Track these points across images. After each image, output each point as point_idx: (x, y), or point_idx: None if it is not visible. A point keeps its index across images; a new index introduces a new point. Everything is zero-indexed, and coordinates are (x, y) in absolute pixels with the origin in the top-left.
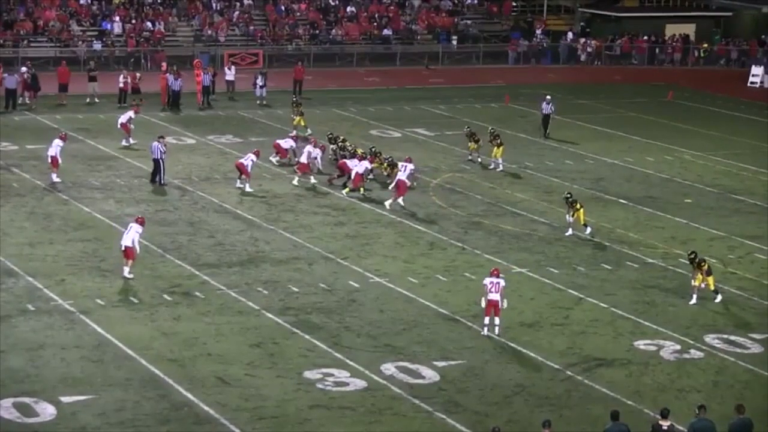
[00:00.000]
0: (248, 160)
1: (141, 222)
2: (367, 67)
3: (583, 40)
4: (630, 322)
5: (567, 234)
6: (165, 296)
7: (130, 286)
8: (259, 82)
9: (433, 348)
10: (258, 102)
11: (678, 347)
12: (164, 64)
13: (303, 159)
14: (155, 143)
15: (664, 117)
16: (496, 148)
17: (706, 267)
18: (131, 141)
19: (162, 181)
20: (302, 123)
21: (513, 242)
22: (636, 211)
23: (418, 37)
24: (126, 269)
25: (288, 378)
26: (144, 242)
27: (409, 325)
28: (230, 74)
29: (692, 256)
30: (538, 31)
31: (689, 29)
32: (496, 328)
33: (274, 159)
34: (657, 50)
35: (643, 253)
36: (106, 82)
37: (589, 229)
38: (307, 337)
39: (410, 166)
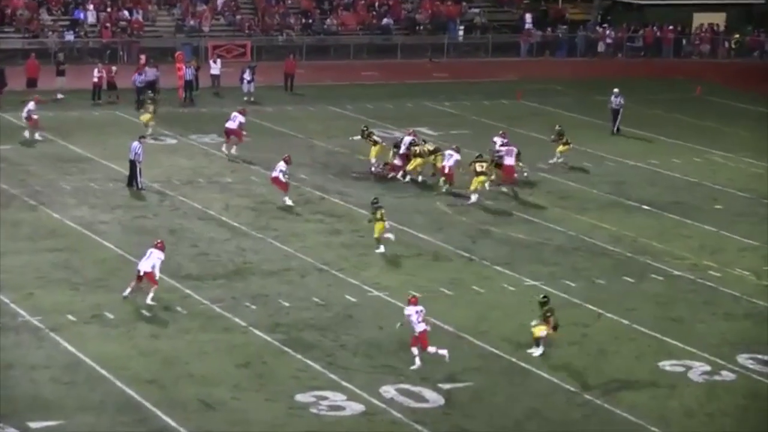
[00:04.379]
0: (278, 171)
1: (162, 247)
2: (364, 60)
3: (602, 30)
4: (654, 340)
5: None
6: (143, 311)
7: (108, 300)
8: (247, 76)
9: (437, 368)
10: (245, 98)
11: (708, 368)
12: (142, 57)
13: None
14: (135, 143)
15: (692, 115)
16: (562, 146)
17: (552, 321)
18: (39, 136)
19: (139, 185)
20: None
21: (525, 252)
22: (661, 218)
23: (421, 28)
24: (150, 295)
25: (278, 401)
26: (120, 252)
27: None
28: (215, 68)
29: (544, 300)
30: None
31: (719, 18)
32: (416, 359)
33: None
34: (683, 41)
35: (669, 264)
36: (79, 77)
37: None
38: (299, 356)
39: (456, 156)
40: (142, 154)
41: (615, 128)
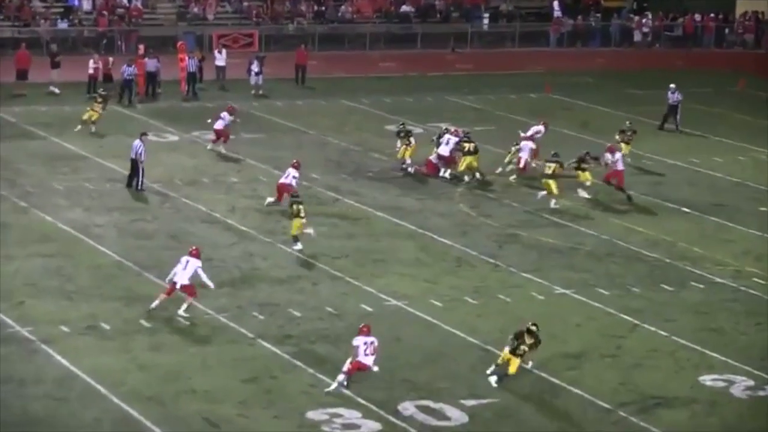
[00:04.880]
0: (289, 177)
1: (197, 254)
2: (381, 50)
3: (638, 18)
4: (695, 353)
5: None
6: (142, 322)
7: (103, 310)
8: (255, 68)
9: (460, 384)
10: (253, 92)
11: (751, 383)
12: (141, 47)
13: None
14: (136, 141)
15: (735, 110)
16: (625, 144)
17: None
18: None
19: (139, 186)
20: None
21: (555, 258)
22: (701, 221)
23: (443, 15)
24: (184, 306)
25: (288, 419)
26: (117, 258)
27: (432, 356)
28: (220, 59)
29: (533, 328)
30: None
31: (764, 6)
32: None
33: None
34: (726, 31)
35: (710, 271)
36: (74, 68)
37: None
38: (310, 370)
39: (454, 139)
40: (145, 153)
41: (667, 123)
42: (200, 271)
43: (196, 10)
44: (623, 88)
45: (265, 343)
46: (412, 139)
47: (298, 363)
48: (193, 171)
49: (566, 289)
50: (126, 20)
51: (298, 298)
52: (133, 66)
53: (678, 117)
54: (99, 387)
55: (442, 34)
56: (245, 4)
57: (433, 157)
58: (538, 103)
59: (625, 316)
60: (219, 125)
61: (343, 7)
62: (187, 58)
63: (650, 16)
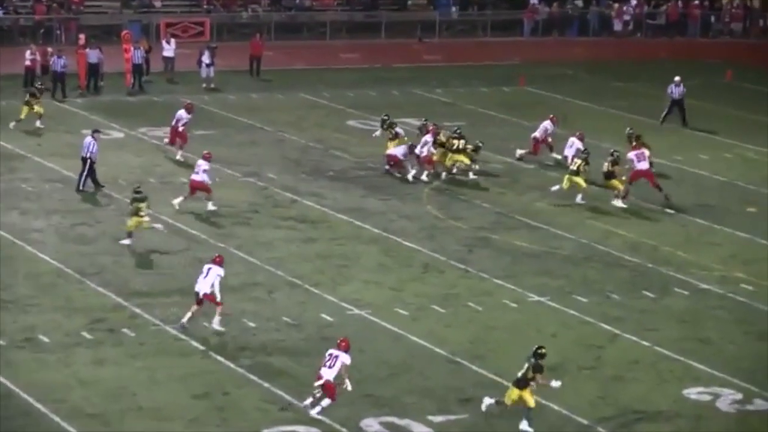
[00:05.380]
0: (200, 172)
1: (221, 262)
2: (344, 39)
3: (618, 5)
4: (678, 364)
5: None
6: (84, 334)
7: (42, 321)
8: (206, 59)
9: (427, 398)
10: (204, 85)
11: (739, 396)
12: (82, 37)
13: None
14: (88, 138)
15: (722, 103)
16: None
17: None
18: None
19: (81, 186)
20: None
21: (529, 263)
22: (686, 223)
23: (410, 2)
24: (216, 319)
25: None
26: (57, 265)
27: (398, 369)
28: (169, 49)
29: (542, 351)
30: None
31: None
32: (317, 407)
33: None
34: (712, 19)
35: (695, 276)
36: (9, 60)
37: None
38: (266, 385)
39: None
40: (97, 152)
41: (683, 121)
42: (217, 282)
43: None
44: (603, 81)
45: (217, 356)
46: (397, 130)
47: (253, 377)
48: (139, 171)
49: (541, 296)
50: (66, 8)
51: (253, 308)
52: (64, 57)
53: (685, 112)
54: (38, 405)
55: (408, 23)
56: None
57: (397, 151)
58: (512, 96)
59: (605, 325)
60: (178, 126)
61: None
62: (132, 48)
63: (633, 3)
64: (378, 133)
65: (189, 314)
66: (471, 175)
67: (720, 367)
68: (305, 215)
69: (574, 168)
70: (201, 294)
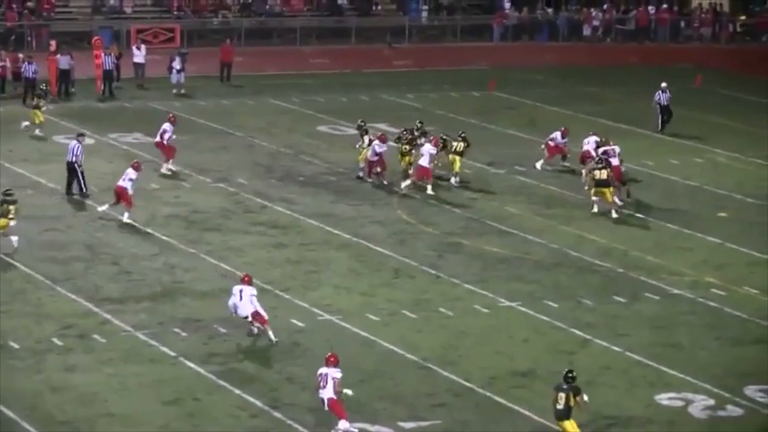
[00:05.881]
0: (126, 180)
1: (250, 281)
2: (313, 45)
3: (587, 10)
4: (650, 369)
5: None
6: (54, 340)
7: (12, 327)
8: (176, 65)
9: (398, 405)
10: (174, 91)
11: (711, 402)
12: (53, 43)
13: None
14: (73, 143)
15: (692, 108)
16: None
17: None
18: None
19: (84, 190)
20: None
21: (501, 268)
22: (657, 228)
23: (379, 7)
24: (269, 334)
25: None
26: (27, 270)
27: (369, 375)
28: (139, 55)
29: (573, 375)
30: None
31: None
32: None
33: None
34: (682, 23)
35: (666, 282)
36: None
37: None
38: (237, 391)
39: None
40: (83, 156)
41: (662, 127)
42: (255, 301)
43: (112, 2)
44: (573, 86)
45: (188, 363)
46: (367, 138)
47: (224, 383)
48: (110, 177)
49: (512, 301)
50: (36, 14)
51: (224, 314)
52: (34, 63)
53: (670, 119)
54: (8, 412)
55: (378, 28)
56: None
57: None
58: (482, 101)
59: (576, 331)
60: (163, 138)
61: None
62: (102, 54)
63: (605, 7)
64: (366, 142)
65: (257, 328)
66: (453, 181)
67: (692, 373)
68: (276, 221)
69: (604, 178)
70: (249, 317)
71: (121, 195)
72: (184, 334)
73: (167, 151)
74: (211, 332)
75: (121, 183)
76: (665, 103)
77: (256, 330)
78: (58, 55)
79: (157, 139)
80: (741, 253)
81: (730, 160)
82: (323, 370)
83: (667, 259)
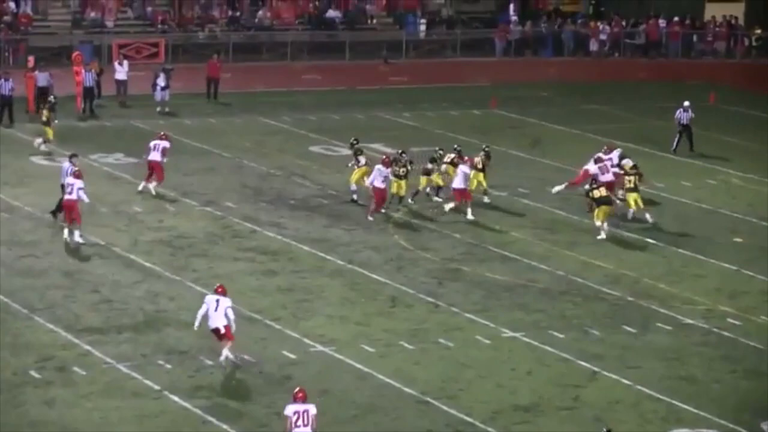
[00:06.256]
0: (75, 190)
1: (225, 292)
2: (305, 61)
3: (594, 23)
4: (662, 404)
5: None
6: (32, 373)
7: None
8: (161, 81)
9: None
10: (159, 109)
11: None
12: (31, 59)
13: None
14: (66, 164)
15: (705, 127)
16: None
17: None
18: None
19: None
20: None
21: (503, 297)
22: (668, 254)
23: (374, 21)
24: (227, 353)
25: None
26: (3, 299)
27: (363, 409)
28: (121, 71)
29: None
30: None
31: (737, 10)
32: None
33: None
34: (694, 38)
35: (679, 311)
36: None
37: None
38: (225, 426)
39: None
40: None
41: (674, 146)
42: (231, 313)
43: (93, 15)
44: (579, 103)
45: (173, 396)
46: (361, 159)
47: (211, 419)
48: (90, 199)
49: (516, 331)
50: (14, 29)
51: (211, 344)
52: (11, 80)
53: (692, 138)
54: None
55: (373, 43)
56: (149, 9)
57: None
58: (483, 119)
59: (583, 363)
60: (155, 156)
61: (260, 12)
62: (83, 70)
63: (615, 22)
64: (362, 161)
65: (226, 351)
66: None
67: (706, 407)
68: (265, 246)
69: (631, 185)
70: (221, 329)
71: (70, 207)
72: (168, 366)
73: (161, 172)
74: (198, 364)
75: (68, 196)
76: (686, 123)
77: (227, 358)
78: (36, 72)
79: (158, 158)
80: (757, 280)
81: (745, 181)
82: (299, 407)
83: (680, 287)
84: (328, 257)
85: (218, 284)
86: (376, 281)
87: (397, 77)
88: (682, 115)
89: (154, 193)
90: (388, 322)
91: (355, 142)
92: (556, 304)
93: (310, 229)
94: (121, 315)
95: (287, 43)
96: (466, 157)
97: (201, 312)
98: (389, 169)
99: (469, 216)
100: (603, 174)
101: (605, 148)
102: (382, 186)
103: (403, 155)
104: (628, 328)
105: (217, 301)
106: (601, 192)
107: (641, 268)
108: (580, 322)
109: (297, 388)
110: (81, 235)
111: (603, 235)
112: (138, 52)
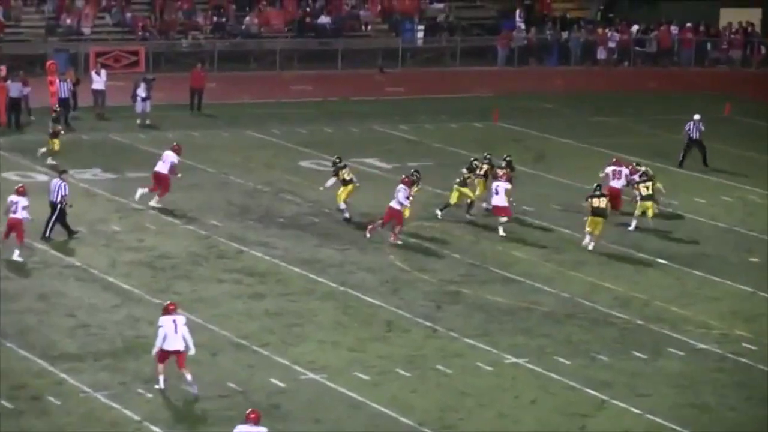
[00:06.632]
0: (18, 209)
1: (176, 308)
2: (295, 70)
3: (603, 30)
4: None
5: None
6: (4, 403)
7: None
8: (141, 92)
9: None
10: (139, 121)
11: None
12: (3, 68)
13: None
14: (55, 181)
15: (720, 141)
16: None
17: None
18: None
19: (48, 233)
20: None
21: (505, 321)
22: (681, 275)
23: (369, 28)
24: (188, 377)
25: None
26: None
27: None
28: (99, 81)
29: None
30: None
31: (753, 16)
32: None
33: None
34: (709, 46)
35: (691, 335)
36: None
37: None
38: None
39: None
40: (68, 194)
41: (681, 160)
42: (187, 332)
43: (69, 22)
44: (586, 115)
45: (153, 427)
46: (344, 174)
47: None
48: (67, 218)
49: (519, 358)
50: None
51: (194, 372)
52: (20, 84)
53: (706, 152)
54: None
55: (368, 51)
56: (129, 14)
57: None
58: (485, 132)
59: (591, 391)
60: (162, 168)
61: (247, 18)
62: (57, 80)
63: (622, 28)
64: (330, 182)
65: (160, 376)
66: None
67: None
68: (253, 267)
69: (648, 192)
70: (181, 351)
71: (14, 226)
72: (149, 395)
73: (166, 186)
74: (179, 393)
75: (12, 215)
76: (696, 137)
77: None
78: (9, 82)
79: (164, 170)
80: None
81: (763, 198)
82: (249, 429)
83: (693, 310)
84: (320, 279)
85: (169, 302)
86: (371, 304)
87: (393, 87)
88: (692, 129)
89: (156, 205)
90: (384, 347)
91: (337, 160)
92: (561, 329)
93: (300, 249)
94: (99, 341)
95: (276, 52)
96: (501, 172)
97: (161, 335)
98: (410, 190)
99: (501, 232)
100: (614, 179)
101: (633, 165)
102: (398, 207)
103: (417, 174)
104: (638, 354)
105: (174, 321)
106: (600, 203)
107: (652, 289)
108: (587, 348)
109: (250, 410)
110: (20, 255)
111: (588, 241)
112: (117, 60)
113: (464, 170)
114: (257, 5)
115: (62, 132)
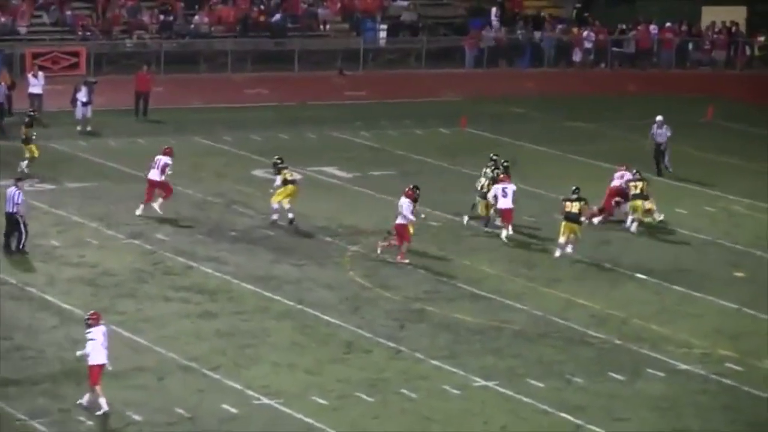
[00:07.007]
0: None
1: (97, 319)
2: (248, 72)
3: (578, 30)
4: None
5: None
6: None
7: None
8: (82, 96)
9: None
10: (79, 128)
11: None
12: None
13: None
14: (11, 189)
15: (701, 147)
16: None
17: None
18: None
19: (22, 245)
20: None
21: (474, 340)
22: (661, 290)
23: (328, 27)
24: (102, 400)
25: None
26: None
27: None
28: (36, 84)
29: None
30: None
31: (738, 15)
32: None
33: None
34: (690, 46)
35: (673, 355)
36: None
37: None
38: None
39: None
40: (25, 204)
41: (662, 168)
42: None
43: (3, 20)
44: (560, 120)
45: None
46: (287, 174)
47: None
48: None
49: (488, 380)
50: None
51: (139, 397)
52: None
53: (667, 158)
54: None
55: (326, 52)
56: (68, 12)
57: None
58: (452, 139)
59: (565, 415)
60: (154, 175)
61: (196, 17)
62: None
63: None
64: (278, 183)
65: (87, 397)
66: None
67: None
68: (202, 285)
69: (637, 191)
70: (107, 365)
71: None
72: (89, 422)
73: (168, 189)
74: (123, 420)
75: (150, 176)
76: (661, 141)
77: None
78: None
79: (156, 177)
80: (761, 320)
81: (748, 208)
82: None
83: (674, 328)
84: (275, 297)
85: (91, 312)
86: (330, 324)
87: (353, 91)
88: (656, 132)
89: (160, 212)
90: (343, 370)
91: (278, 161)
92: (533, 349)
93: (254, 265)
94: (36, 364)
95: (227, 52)
96: (501, 175)
97: (89, 346)
98: (414, 204)
99: (504, 238)
100: (617, 179)
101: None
102: (403, 222)
103: (417, 189)
104: (616, 375)
105: (104, 333)
106: (573, 207)
107: (630, 306)
108: (561, 369)
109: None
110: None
111: (558, 253)
112: (55, 62)
113: (482, 179)
114: (207, 3)
115: (34, 135)
